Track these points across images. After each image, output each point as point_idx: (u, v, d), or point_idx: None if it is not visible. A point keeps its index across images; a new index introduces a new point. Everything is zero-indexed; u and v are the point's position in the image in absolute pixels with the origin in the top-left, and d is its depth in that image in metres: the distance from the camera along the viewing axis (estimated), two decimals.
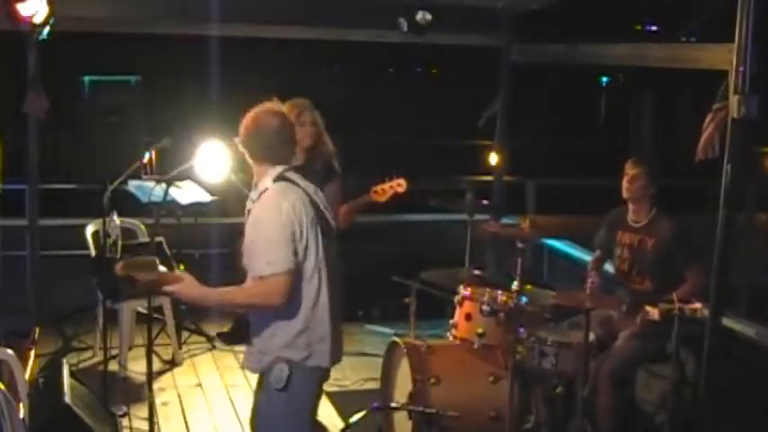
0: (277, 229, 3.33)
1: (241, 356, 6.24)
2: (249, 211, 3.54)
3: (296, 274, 3.35)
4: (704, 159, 4.48)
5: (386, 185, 5.27)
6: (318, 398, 3.69)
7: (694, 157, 4.51)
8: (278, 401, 3.49)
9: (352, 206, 5.31)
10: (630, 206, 4.97)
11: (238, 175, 4.99)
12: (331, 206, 4.91)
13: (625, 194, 4.93)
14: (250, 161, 3.55)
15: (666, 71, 5.76)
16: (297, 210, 3.38)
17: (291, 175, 3.51)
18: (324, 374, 3.60)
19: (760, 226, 9.74)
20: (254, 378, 5.72)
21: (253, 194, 3.54)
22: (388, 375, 4.78)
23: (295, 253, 3.35)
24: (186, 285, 3.41)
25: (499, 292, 4.68)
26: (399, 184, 5.26)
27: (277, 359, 3.44)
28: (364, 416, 4.61)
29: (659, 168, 5.01)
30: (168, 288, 3.42)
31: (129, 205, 5.99)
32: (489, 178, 7.59)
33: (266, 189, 3.46)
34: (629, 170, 4.89)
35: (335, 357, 3.58)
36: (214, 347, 6.44)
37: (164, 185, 4.26)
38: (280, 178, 3.47)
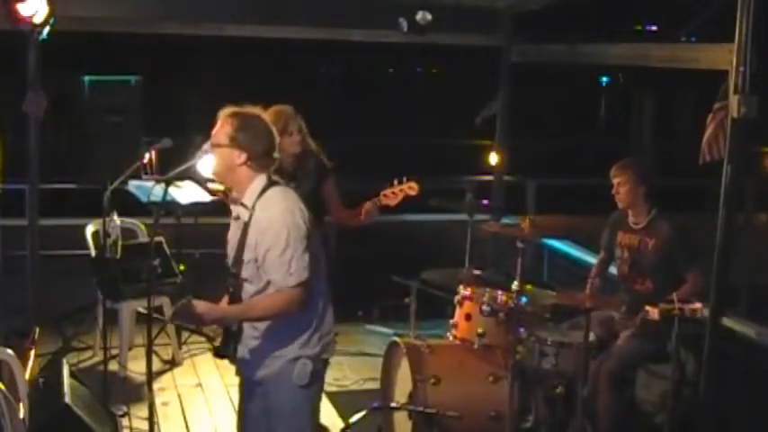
0: (294, 238, 3.26)
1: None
2: (238, 217, 3.40)
3: (313, 280, 3.32)
4: (709, 161, 4.47)
5: (396, 189, 4.91)
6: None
7: (697, 158, 4.51)
8: (302, 398, 3.43)
9: (365, 212, 4.88)
10: (629, 209, 4.97)
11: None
12: (330, 202, 4.95)
13: (619, 204, 4.93)
14: (232, 164, 3.33)
15: (666, 71, 5.75)
16: (304, 212, 3.34)
17: (278, 179, 3.44)
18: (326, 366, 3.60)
19: (760, 226, 9.74)
20: None
21: (246, 200, 3.35)
22: (388, 375, 4.77)
23: (312, 257, 3.31)
24: (203, 313, 3.25)
25: (499, 292, 4.67)
26: (411, 188, 4.89)
27: (296, 358, 3.39)
28: (364, 416, 4.61)
29: (647, 166, 5.02)
30: (192, 323, 3.41)
31: (129, 205, 5.98)
32: (489, 178, 7.59)
33: (262, 194, 3.32)
34: (613, 178, 4.89)
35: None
36: None
37: (164, 185, 4.25)
38: (273, 183, 3.38)
